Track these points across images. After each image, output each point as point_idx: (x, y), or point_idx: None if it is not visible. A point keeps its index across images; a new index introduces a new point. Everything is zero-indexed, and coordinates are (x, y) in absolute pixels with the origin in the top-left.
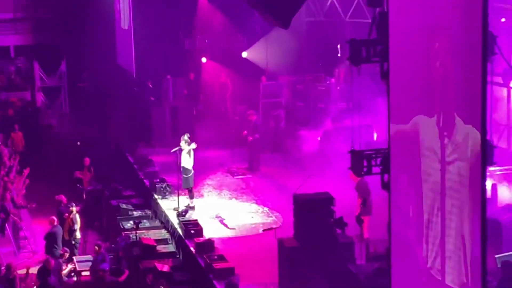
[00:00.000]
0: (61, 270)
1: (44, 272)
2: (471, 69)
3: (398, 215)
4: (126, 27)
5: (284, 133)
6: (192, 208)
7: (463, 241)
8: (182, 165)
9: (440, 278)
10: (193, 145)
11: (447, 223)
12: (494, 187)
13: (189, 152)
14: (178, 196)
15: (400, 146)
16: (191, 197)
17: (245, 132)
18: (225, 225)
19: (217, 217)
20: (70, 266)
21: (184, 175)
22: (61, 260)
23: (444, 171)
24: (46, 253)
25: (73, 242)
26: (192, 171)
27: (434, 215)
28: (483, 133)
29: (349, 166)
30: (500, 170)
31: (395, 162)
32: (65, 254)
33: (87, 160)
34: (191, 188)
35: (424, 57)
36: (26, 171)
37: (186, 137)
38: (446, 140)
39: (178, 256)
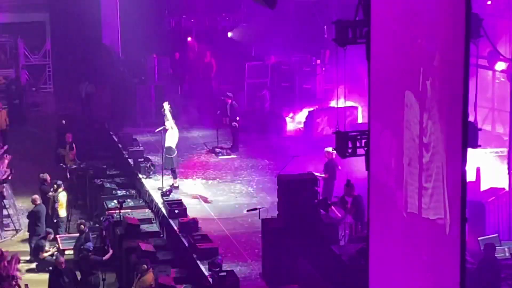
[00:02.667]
0: (73, 271)
1: (55, 272)
2: (454, 51)
3: (380, 165)
4: None
5: (269, 113)
6: (176, 187)
7: (443, 180)
8: (166, 145)
9: (417, 213)
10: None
11: (426, 166)
12: (478, 170)
13: (172, 133)
14: (162, 175)
15: (384, 102)
16: (175, 177)
17: (235, 124)
18: (207, 202)
19: (201, 197)
20: (52, 250)
21: (167, 155)
22: (44, 241)
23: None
24: (29, 231)
25: (55, 220)
26: (176, 151)
27: (414, 160)
28: (465, 116)
29: (334, 147)
30: (485, 153)
31: (380, 118)
32: (49, 235)
33: (69, 136)
34: (175, 168)
35: (406, 39)
36: (8, 157)
37: (166, 106)
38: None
39: (161, 235)
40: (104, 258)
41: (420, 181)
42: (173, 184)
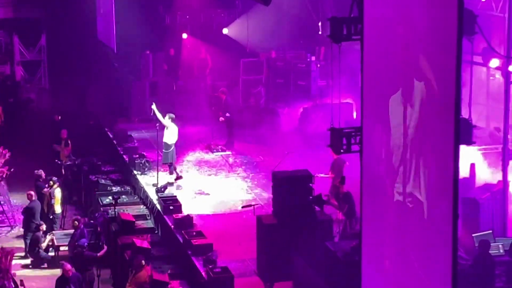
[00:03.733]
0: (81, 280)
1: (62, 281)
2: (446, 48)
3: (373, 162)
4: None
5: (264, 110)
6: (171, 184)
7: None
8: (163, 140)
9: (409, 210)
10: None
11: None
12: (472, 166)
13: (168, 130)
14: (157, 172)
15: (377, 99)
16: (171, 172)
17: (222, 118)
18: (202, 198)
19: (200, 192)
20: (48, 237)
21: (164, 150)
22: (39, 234)
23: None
24: (24, 227)
25: (51, 216)
26: (173, 147)
27: (401, 158)
28: (457, 112)
29: (329, 143)
30: (479, 150)
31: (372, 115)
32: (41, 227)
33: (64, 132)
34: (171, 163)
35: (398, 36)
36: (5, 152)
37: (153, 107)
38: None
39: (156, 232)
40: (98, 254)
41: (406, 180)
42: (168, 180)
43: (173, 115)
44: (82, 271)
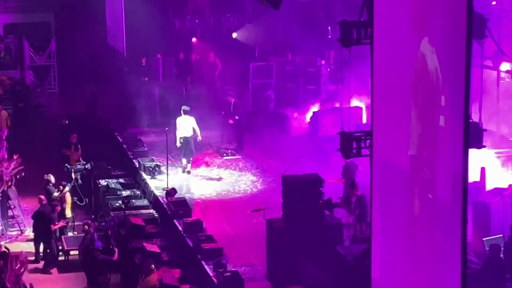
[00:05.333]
0: None
1: None
2: (456, 52)
3: (382, 161)
4: None
5: (273, 114)
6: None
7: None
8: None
9: (418, 215)
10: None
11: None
12: (483, 170)
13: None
14: (167, 176)
15: (387, 103)
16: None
17: (231, 121)
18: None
19: (205, 197)
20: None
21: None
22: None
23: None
24: (34, 232)
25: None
26: (184, 138)
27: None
28: (466, 116)
29: (339, 147)
30: (490, 153)
31: (383, 119)
32: (57, 207)
33: (74, 137)
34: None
35: (408, 40)
36: (16, 158)
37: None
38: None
39: (166, 236)
40: (113, 257)
41: (416, 184)
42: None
43: (186, 108)
44: (96, 275)
